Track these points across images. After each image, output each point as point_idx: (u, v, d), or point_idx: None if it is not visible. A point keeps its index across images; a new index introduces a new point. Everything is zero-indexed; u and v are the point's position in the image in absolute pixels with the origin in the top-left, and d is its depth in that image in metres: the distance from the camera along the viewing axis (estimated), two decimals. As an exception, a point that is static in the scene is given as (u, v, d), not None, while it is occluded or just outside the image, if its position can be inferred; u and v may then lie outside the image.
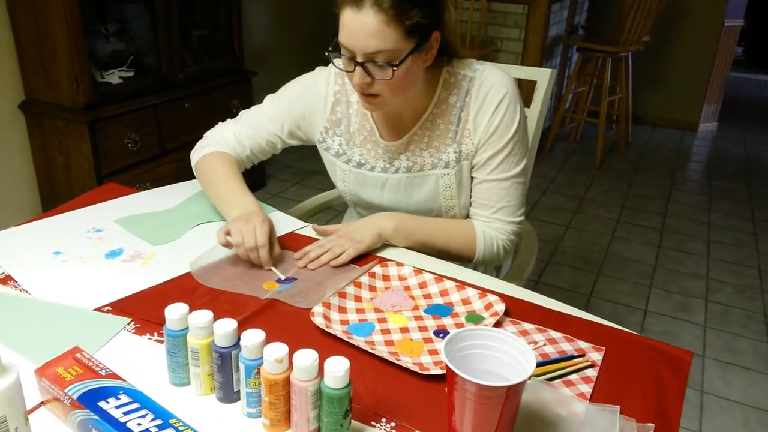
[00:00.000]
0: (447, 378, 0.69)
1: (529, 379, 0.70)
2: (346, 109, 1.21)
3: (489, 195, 1.17)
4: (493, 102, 1.13)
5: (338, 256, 1.08)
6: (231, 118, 1.31)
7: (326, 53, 1.08)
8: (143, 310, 0.93)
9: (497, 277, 1.32)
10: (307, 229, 1.22)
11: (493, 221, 1.18)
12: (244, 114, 1.29)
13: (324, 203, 1.55)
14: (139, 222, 1.21)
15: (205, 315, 0.76)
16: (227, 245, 1.07)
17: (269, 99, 1.28)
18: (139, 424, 0.66)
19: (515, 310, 0.98)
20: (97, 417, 0.66)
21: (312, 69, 1.27)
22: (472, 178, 1.19)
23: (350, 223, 1.16)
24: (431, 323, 0.95)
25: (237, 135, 1.27)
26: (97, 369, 0.73)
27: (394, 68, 1.02)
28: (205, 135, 1.31)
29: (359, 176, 1.24)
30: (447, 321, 0.95)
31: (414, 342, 0.90)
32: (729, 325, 2.39)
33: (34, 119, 2.37)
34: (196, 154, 1.28)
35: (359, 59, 1.02)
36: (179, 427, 0.66)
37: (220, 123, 1.32)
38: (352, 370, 0.69)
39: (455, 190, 1.18)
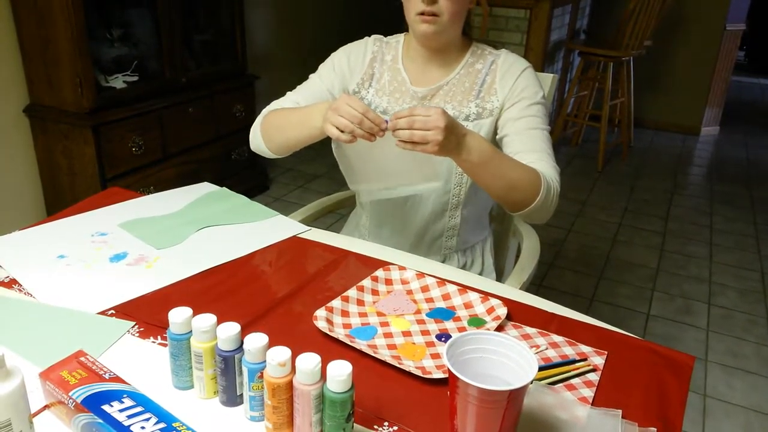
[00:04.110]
0: (449, 382, 0.69)
1: (531, 383, 0.71)
2: (380, 66, 1.32)
3: (533, 141, 1.19)
4: (518, 68, 1.24)
5: (424, 143, 1.00)
6: (247, 122, 1.34)
7: None
8: (147, 313, 0.94)
9: (499, 280, 1.32)
10: (310, 233, 1.22)
11: (543, 162, 1.16)
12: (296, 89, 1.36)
13: (327, 207, 1.55)
14: (143, 226, 1.21)
15: (208, 319, 0.76)
16: (350, 141, 1.04)
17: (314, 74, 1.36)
18: (143, 428, 0.66)
19: (517, 314, 0.98)
20: (100, 420, 0.67)
21: (313, 72, 1.33)
22: (502, 139, 1.23)
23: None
24: (433, 327, 0.95)
25: (292, 100, 1.32)
26: (101, 372, 0.74)
27: None
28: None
29: None
30: (449, 325, 0.96)
31: (416, 346, 0.90)
32: (731, 329, 2.39)
33: (39, 124, 2.38)
34: (256, 124, 1.30)
35: None
36: (182, 431, 0.67)
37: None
38: (355, 373, 0.69)
39: None
